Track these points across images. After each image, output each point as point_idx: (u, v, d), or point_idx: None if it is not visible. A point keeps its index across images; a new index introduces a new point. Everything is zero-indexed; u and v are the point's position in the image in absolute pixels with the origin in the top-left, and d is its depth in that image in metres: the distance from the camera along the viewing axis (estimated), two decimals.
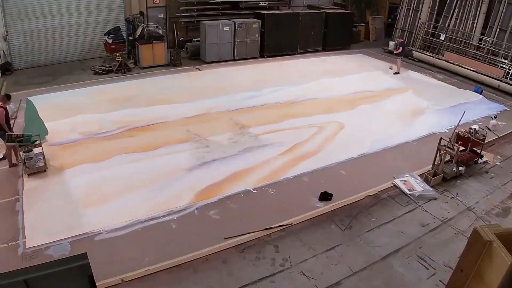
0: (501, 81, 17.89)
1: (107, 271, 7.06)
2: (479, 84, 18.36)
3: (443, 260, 7.77)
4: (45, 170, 10.04)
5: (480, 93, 17.42)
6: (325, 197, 9.50)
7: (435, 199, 9.73)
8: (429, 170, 10.70)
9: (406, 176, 10.42)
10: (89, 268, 4.28)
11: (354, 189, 9.93)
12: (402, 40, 20.73)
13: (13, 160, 10.39)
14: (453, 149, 10.36)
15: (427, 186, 10.09)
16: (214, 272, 7.31)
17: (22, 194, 9.23)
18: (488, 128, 13.45)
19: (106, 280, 6.87)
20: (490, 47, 19.51)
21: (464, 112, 11.76)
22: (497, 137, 13.25)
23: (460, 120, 11.27)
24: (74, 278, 4.29)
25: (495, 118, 14.04)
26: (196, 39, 21.19)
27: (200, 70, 19.20)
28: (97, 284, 4.47)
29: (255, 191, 9.76)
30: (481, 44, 20.24)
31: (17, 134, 9.89)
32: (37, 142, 9.94)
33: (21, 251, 7.54)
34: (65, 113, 13.36)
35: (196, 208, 8.99)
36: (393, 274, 7.43)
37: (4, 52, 17.68)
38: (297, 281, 7.19)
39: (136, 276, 7.11)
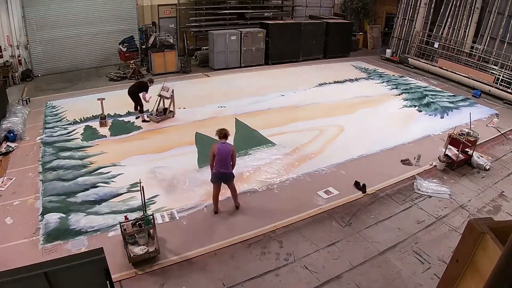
0: (492, 86, 17.83)
1: (122, 264, 7.08)
2: (471, 89, 18.33)
3: (437, 255, 7.74)
4: None
5: (479, 96, 17.52)
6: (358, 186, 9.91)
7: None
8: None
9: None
10: (105, 261, 4.28)
11: (354, 188, 9.91)
12: None
13: None
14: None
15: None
16: (222, 266, 7.30)
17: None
18: (493, 127, 14.04)
19: (121, 273, 6.89)
20: (481, 54, 19.43)
21: (470, 113, 12.77)
22: (500, 133, 13.54)
23: (470, 122, 12.29)
24: (91, 271, 4.29)
25: (497, 116, 14.78)
26: (204, 47, 21.23)
27: (208, 76, 19.23)
28: (112, 276, 4.47)
29: (260, 190, 9.75)
30: (472, 51, 20.16)
31: None
32: None
33: (41, 246, 7.58)
34: (83, 116, 13.44)
35: (205, 206, 8.99)
36: (390, 268, 7.40)
37: (25, 59, 17.84)
38: (300, 274, 7.18)
39: (149, 270, 7.11)
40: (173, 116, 13.72)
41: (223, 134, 8.35)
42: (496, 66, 18.46)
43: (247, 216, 8.76)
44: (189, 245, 7.76)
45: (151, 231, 7.51)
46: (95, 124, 12.97)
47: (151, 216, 7.38)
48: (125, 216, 7.59)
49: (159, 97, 13.43)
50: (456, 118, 14.51)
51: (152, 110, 13.56)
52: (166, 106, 13.65)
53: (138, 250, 7.16)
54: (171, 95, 13.39)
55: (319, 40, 23.09)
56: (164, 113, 13.51)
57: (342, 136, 12.89)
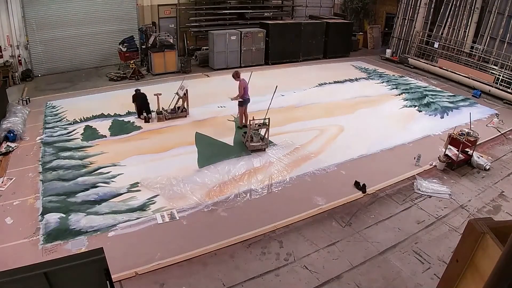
0: (492, 86, 17.83)
1: (122, 264, 7.07)
2: (471, 89, 18.35)
3: (437, 255, 7.74)
4: None
5: (479, 96, 17.53)
6: (358, 186, 9.91)
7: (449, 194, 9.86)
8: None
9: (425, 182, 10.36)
10: (105, 262, 4.27)
11: (354, 188, 9.91)
12: None
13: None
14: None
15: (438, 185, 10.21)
16: (222, 266, 7.31)
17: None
18: (493, 126, 14.11)
19: (121, 273, 6.88)
20: (481, 54, 19.43)
21: (470, 113, 12.83)
22: (500, 133, 13.55)
23: (470, 122, 12.31)
24: (91, 271, 4.28)
25: (497, 116, 14.88)
26: (204, 47, 21.23)
27: (208, 76, 19.23)
28: (112, 276, 4.47)
29: (260, 189, 9.75)
30: (472, 51, 20.16)
31: None
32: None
33: (41, 246, 7.57)
34: (83, 116, 13.45)
35: (205, 206, 8.99)
36: (390, 268, 7.40)
37: (25, 59, 17.84)
38: (300, 274, 7.18)
39: (149, 270, 7.11)
40: (185, 116, 13.87)
41: (239, 74, 12.63)
42: (496, 66, 18.46)
43: (247, 216, 8.77)
44: (189, 245, 7.76)
45: (263, 133, 11.64)
46: (95, 124, 12.98)
47: (268, 120, 11.41)
48: (253, 117, 11.42)
49: (176, 95, 13.59)
50: (456, 118, 14.51)
51: (168, 108, 13.78)
52: (179, 104, 13.76)
53: (255, 143, 11.46)
54: (184, 94, 13.44)
55: (319, 40, 23.08)
56: (175, 112, 13.67)
57: (342, 136, 12.89)
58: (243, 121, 13.03)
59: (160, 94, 13.57)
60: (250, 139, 11.46)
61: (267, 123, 11.43)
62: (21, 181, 9.76)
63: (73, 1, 18.27)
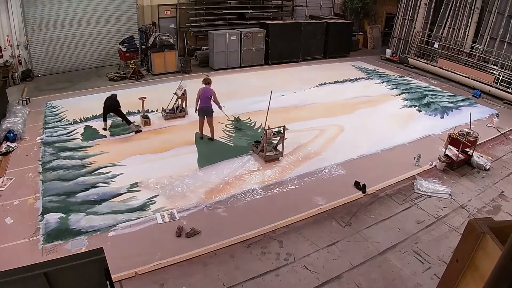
0: (492, 86, 17.82)
1: (122, 265, 7.07)
2: (471, 89, 18.35)
3: (437, 255, 7.74)
4: None
5: (479, 96, 17.55)
6: (358, 186, 9.91)
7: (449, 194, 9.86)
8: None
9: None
10: (105, 262, 4.27)
11: (354, 188, 9.91)
12: None
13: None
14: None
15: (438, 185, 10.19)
16: (222, 266, 7.30)
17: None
18: (493, 127, 14.11)
19: (120, 273, 6.88)
20: (481, 54, 19.43)
21: (470, 113, 12.81)
22: (499, 133, 13.54)
23: (470, 122, 12.30)
24: (91, 271, 4.28)
25: (497, 116, 14.91)
26: (204, 47, 21.24)
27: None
28: (112, 276, 4.46)
29: (261, 190, 9.74)
30: (472, 51, 20.16)
31: None
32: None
33: (41, 246, 7.57)
34: (83, 116, 13.44)
35: (205, 206, 8.99)
36: (390, 268, 7.40)
37: (25, 59, 17.84)
38: (300, 274, 7.18)
39: (149, 270, 7.11)
40: (184, 116, 13.89)
41: (206, 81, 12.07)
42: (496, 66, 18.46)
43: (247, 216, 8.76)
44: (189, 245, 7.76)
45: (275, 144, 11.24)
46: (95, 124, 12.97)
47: (283, 127, 10.98)
48: (268, 126, 10.83)
49: (175, 95, 13.60)
50: (456, 118, 14.52)
51: (167, 108, 13.81)
52: (177, 105, 13.81)
53: (269, 152, 11.01)
54: (182, 94, 13.44)
55: (319, 40, 23.08)
56: (173, 112, 13.68)
57: (342, 136, 12.89)
58: (202, 133, 12.27)
59: (145, 98, 13.24)
60: (265, 149, 11.08)
61: (282, 132, 11.03)
62: (21, 181, 9.76)
63: (73, 1, 18.27)
